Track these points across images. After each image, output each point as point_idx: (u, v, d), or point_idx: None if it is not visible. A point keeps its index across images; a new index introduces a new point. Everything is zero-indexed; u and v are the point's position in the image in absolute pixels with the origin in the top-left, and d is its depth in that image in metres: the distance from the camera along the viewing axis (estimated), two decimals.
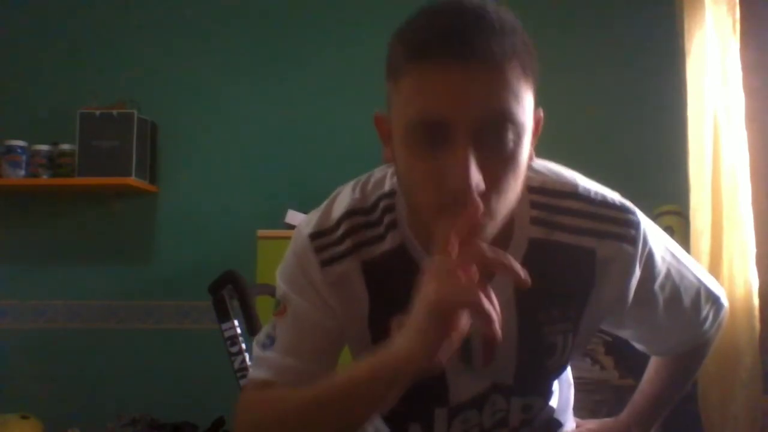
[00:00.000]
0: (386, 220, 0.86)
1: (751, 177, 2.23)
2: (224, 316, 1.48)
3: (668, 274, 0.92)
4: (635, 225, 0.86)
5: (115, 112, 2.72)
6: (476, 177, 0.68)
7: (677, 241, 0.99)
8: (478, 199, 0.68)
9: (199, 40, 2.94)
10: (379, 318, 0.85)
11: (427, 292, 0.66)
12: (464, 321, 0.67)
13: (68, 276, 2.86)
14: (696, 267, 0.99)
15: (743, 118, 2.25)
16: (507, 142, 0.70)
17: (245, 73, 2.93)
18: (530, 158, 0.77)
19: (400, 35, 0.74)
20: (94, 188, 2.79)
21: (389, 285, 0.83)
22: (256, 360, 0.90)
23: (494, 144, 0.70)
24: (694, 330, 1.03)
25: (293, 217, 2.47)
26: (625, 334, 1.05)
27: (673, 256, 0.94)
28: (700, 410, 2.22)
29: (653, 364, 1.13)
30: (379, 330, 0.85)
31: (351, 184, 0.91)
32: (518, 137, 0.71)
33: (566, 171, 0.89)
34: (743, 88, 2.27)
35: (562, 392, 1.08)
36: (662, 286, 0.92)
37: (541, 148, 0.81)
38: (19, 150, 2.73)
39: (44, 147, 2.75)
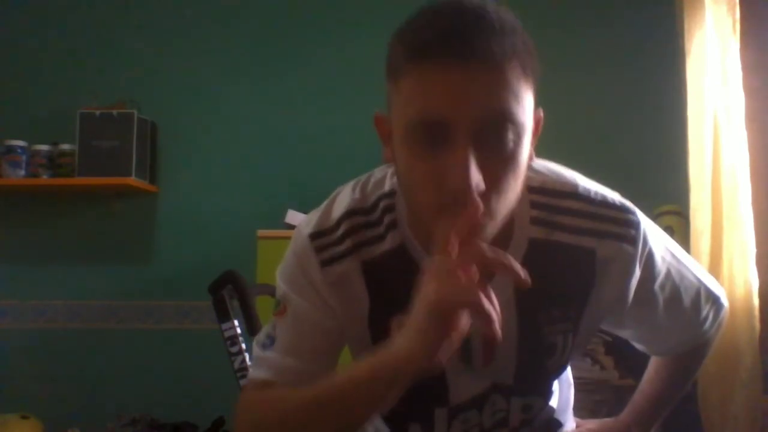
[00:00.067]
0: (386, 220, 0.86)
1: (751, 177, 2.23)
2: (224, 316, 1.48)
3: (668, 274, 0.92)
4: (635, 225, 0.86)
5: (115, 112, 2.72)
6: (476, 177, 0.68)
7: (677, 241, 0.99)
8: (478, 199, 0.68)
9: (199, 40, 2.94)
10: (379, 318, 0.85)
11: (427, 292, 0.66)
12: (464, 321, 0.67)
13: (68, 276, 2.86)
14: (696, 267, 0.99)
15: (743, 118, 2.25)
16: (507, 142, 0.70)
17: (245, 73, 2.93)
18: (530, 158, 0.77)
19: (400, 35, 0.74)
20: (94, 188, 2.79)
21: (389, 285, 0.83)
22: (256, 360, 0.90)
23: (494, 144, 0.70)
24: (694, 330, 1.03)
25: (293, 217, 2.47)
26: (625, 334, 1.05)
27: (673, 256, 0.94)
28: (700, 410, 2.22)
29: (653, 364, 1.13)
30: (379, 330, 0.85)
31: (351, 184, 0.91)
32: (518, 137, 0.71)
33: (566, 171, 0.89)
34: (743, 88, 2.27)
35: (562, 392, 1.08)
36: (662, 286, 0.92)
37: (541, 148, 0.81)
38: (19, 150, 2.73)
39: (44, 147, 2.75)
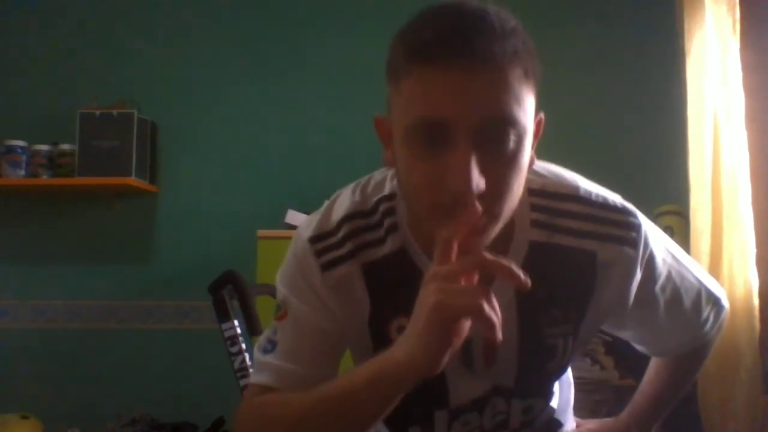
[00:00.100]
0: (386, 223, 0.85)
1: (751, 177, 2.23)
2: (224, 316, 1.47)
3: (669, 276, 0.92)
4: (636, 228, 0.86)
5: (115, 112, 2.72)
6: (476, 178, 0.68)
7: (677, 241, 0.99)
8: (477, 204, 0.68)
9: (199, 40, 2.94)
10: (380, 321, 0.85)
11: (427, 297, 0.66)
12: (465, 325, 0.67)
13: (68, 276, 2.86)
14: (697, 268, 0.99)
15: (743, 118, 2.25)
16: (508, 143, 0.70)
17: (245, 73, 2.93)
18: (531, 161, 0.77)
19: (401, 37, 0.73)
20: (94, 188, 2.79)
21: (390, 288, 0.83)
22: (257, 365, 0.89)
23: (495, 146, 0.70)
24: (695, 331, 1.03)
25: (293, 217, 2.47)
26: (625, 335, 1.05)
27: (674, 257, 0.94)
28: (700, 410, 2.22)
29: (654, 364, 1.13)
30: (380, 333, 0.85)
31: (351, 186, 0.91)
32: (519, 139, 0.71)
33: (567, 173, 0.89)
34: (743, 88, 2.26)
35: (563, 392, 1.08)
36: (663, 288, 0.92)
37: (541, 149, 0.81)
38: (19, 150, 2.73)
39: (44, 147, 2.75)
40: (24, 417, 2.50)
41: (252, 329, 1.44)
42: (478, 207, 0.68)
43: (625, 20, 2.85)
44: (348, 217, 0.86)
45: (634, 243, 0.85)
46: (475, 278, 0.67)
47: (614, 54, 2.85)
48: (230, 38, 2.94)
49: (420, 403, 0.83)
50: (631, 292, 0.87)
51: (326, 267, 0.85)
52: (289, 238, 0.91)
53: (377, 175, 0.91)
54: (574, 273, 0.85)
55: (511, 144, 0.70)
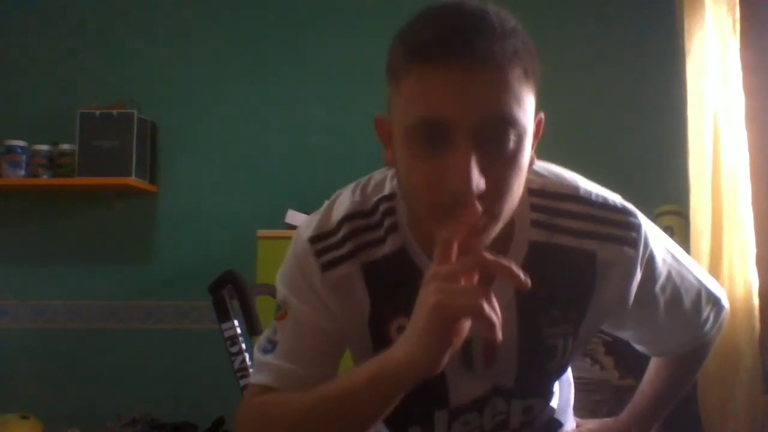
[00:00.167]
0: (386, 223, 0.85)
1: (751, 177, 2.23)
2: (224, 316, 1.47)
3: (669, 276, 0.92)
4: (636, 228, 0.86)
5: (115, 112, 2.72)
6: (476, 178, 0.68)
7: (677, 241, 0.99)
8: (477, 204, 0.68)
9: (199, 40, 2.94)
10: (380, 321, 0.85)
11: (427, 297, 0.66)
12: (465, 325, 0.67)
13: (68, 276, 2.86)
14: (697, 268, 0.99)
15: (743, 118, 2.25)
16: (508, 144, 0.70)
17: (245, 73, 2.93)
18: (531, 161, 0.77)
19: (401, 37, 0.73)
20: (94, 188, 2.79)
21: (390, 288, 0.83)
22: (257, 365, 0.89)
23: (495, 146, 0.70)
24: (695, 331, 1.03)
25: (293, 217, 2.47)
26: (625, 335, 1.05)
27: (674, 257, 0.94)
28: (700, 410, 2.22)
29: (654, 364, 1.13)
30: (380, 333, 0.86)
31: (351, 186, 0.91)
32: (519, 139, 0.71)
33: (567, 173, 0.89)
34: (743, 88, 2.26)
35: (563, 392, 1.08)
36: (663, 288, 0.92)
37: (541, 149, 0.81)
38: (19, 150, 2.73)
39: (44, 147, 2.75)
40: (24, 417, 2.50)
41: (252, 329, 1.44)
42: (478, 207, 0.68)
43: (625, 20, 2.85)
44: (348, 217, 0.86)
45: (634, 243, 0.85)
46: (475, 278, 0.67)
47: (614, 54, 2.85)
48: (230, 38, 2.94)
49: (420, 403, 0.83)
50: (631, 292, 0.87)
51: (326, 267, 0.84)
52: (289, 238, 0.91)
53: (377, 175, 0.91)
54: (574, 273, 0.85)
55: (511, 144, 0.70)
